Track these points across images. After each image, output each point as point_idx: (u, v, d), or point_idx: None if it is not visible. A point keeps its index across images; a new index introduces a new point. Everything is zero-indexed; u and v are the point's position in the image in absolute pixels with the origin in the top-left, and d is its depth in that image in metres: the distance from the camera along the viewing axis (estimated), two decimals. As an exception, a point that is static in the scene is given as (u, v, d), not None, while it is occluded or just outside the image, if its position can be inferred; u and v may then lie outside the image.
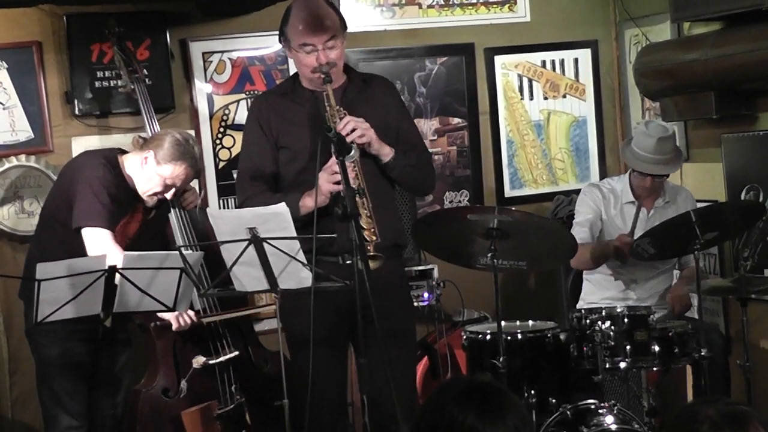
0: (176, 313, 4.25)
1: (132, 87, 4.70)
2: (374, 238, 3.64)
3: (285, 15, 3.94)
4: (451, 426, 2.08)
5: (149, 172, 4.23)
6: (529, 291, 5.75)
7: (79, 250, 4.07)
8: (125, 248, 4.27)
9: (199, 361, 4.42)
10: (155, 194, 4.27)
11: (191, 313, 4.32)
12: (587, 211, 4.92)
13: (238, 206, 4.04)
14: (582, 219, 4.92)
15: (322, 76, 3.82)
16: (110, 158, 4.30)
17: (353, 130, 3.77)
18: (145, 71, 4.82)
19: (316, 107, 3.91)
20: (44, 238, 4.35)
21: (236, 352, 4.48)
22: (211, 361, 4.43)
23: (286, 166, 3.97)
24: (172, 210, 4.46)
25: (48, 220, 4.36)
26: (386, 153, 3.91)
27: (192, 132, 5.18)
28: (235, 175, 5.19)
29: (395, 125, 4.03)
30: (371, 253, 3.58)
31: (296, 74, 4.06)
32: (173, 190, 4.27)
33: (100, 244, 4.10)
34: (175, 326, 4.30)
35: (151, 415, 4.43)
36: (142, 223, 4.42)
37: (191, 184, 4.54)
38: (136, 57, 4.85)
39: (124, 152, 4.38)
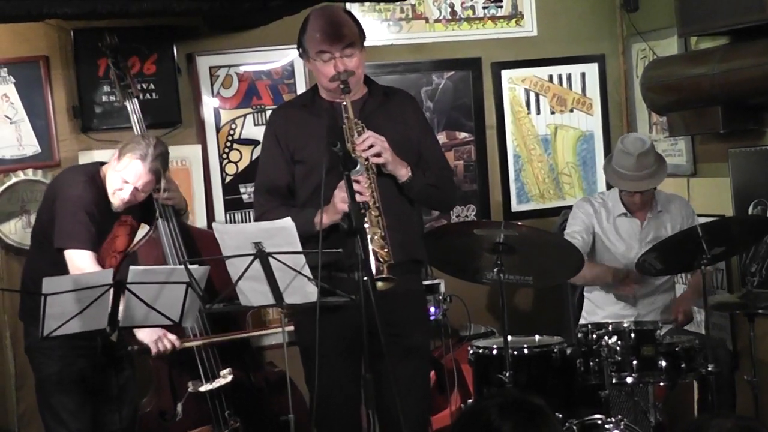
0: (155, 337, 4.24)
1: (124, 103, 4.67)
2: (387, 258, 3.55)
3: (303, 25, 3.88)
4: (486, 430, 2.09)
5: (112, 171, 4.23)
6: (535, 306, 5.73)
7: (68, 268, 4.07)
8: (117, 263, 4.27)
9: (194, 385, 4.40)
10: (116, 191, 4.22)
11: (172, 337, 4.28)
12: (578, 223, 4.94)
13: (255, 220, 3.99)
14: (571, 230, 4.93)
15: (341, 85, 3.75)
16: (92, 173, 4.29)
17: (371, 147, 3.71)
18: (138, 87, 4.82)
19: (334, 120, 3.82)
20: (35, 257, 4.36)
21: (228, 379, 4.41)
22: (201, 389, 4.40)
23: (302, 180, 3.88)
24: (160, 221, 4.44)
25: (38, 238, 4.36)
26: (402, 174, 3.81)
27: (199, 146, 5.20)
28: (242, 190, 5.25)
29: (416, 140, 3.95)
30: (384, 275, 3.50)
31: (316, 86, 4.00)
32: (131, 188, 4.20)
33: (81, 265, 4.09)
34: (154, 351, 4.27)
35: None
36: (132, 237, 4.39)
37: (172, 187, 4.49)
38: (131, 72, 4.82)
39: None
